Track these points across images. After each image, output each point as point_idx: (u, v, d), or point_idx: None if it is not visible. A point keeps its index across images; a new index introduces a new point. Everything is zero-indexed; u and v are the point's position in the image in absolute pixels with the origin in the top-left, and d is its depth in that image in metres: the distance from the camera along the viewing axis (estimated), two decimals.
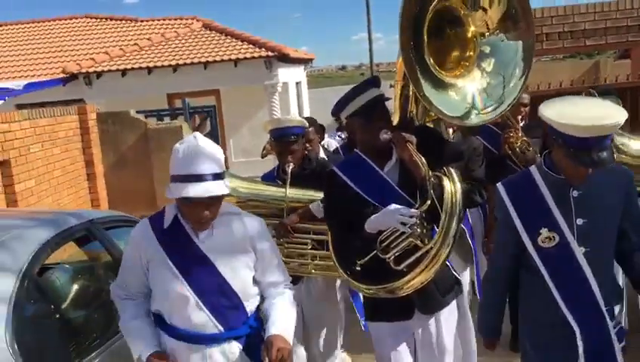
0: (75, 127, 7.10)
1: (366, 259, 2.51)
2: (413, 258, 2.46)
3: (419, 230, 2.42)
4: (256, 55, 12.97)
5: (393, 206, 2.47)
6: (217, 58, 12.97)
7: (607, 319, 2.25)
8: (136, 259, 2.28)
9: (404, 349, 2.67)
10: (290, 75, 14.43)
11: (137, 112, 7.96)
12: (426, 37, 2.44)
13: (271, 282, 2.37)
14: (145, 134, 7.62)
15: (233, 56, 12.96)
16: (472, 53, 2.62)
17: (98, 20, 16.18)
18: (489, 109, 2.53)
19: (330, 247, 2.98)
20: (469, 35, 2.61)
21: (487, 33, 2.59)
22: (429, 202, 2.44)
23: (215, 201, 2.17)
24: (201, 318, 2.20)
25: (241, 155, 13.97)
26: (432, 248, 2.45)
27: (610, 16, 7.62)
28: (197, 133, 2.23)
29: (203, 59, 12.99)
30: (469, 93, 2.55)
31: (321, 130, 7.06)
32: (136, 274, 2.30)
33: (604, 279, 2.28)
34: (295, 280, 3.25)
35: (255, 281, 2.33)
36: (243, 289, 2.26)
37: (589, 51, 15.57)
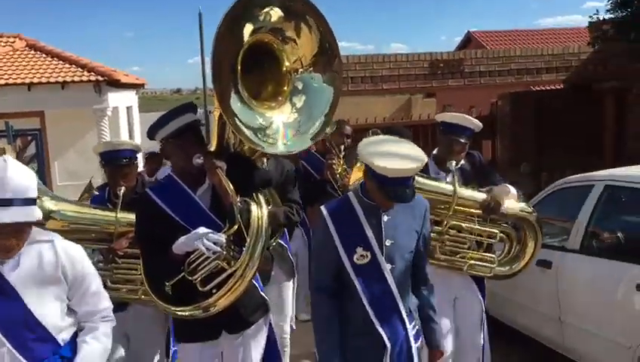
0: None
1: (174, 280, 2.40)
2: (219, 279, 2.41)
3: (225, 252, 2.39)
4: (84, 79, 11.97)
5: (201, 229, 2.39)
6: (43, 80, 11.74)
7: (408, 323, 2.44)
8: None
9: None
10: (120, 100, 13.58)
11: None
12: (240, 69, 2.43)
13: (86, 312, 2.19)
14: None
15: (60, 79, 11.83)
16: (286, 87, 2.64)
17: None
18: (290, 143, 2.57)
19: (142, 270, 2.78)
20: (284, 69, 2.63)
21: (301, 70, 2.62)
22: (236, 226, 2.42)
23: (24, 228, 1.98)
24: (2, 352, 2.01)
25: (67, 178, 12.80)
26: (237, 269, 2.42)
27: (402, 66, 8.63)
28: (7, 157, 2.03)
29: (27, 80, 11.68)
30: (276, 124, 2.56)
31: (157, 157, 6.55)
32: None
33: (406, 290, 2.48)
34: (123, 306, 3.01)
35: (70, 310, 2.15)
36: (52, 321, 2.07)
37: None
